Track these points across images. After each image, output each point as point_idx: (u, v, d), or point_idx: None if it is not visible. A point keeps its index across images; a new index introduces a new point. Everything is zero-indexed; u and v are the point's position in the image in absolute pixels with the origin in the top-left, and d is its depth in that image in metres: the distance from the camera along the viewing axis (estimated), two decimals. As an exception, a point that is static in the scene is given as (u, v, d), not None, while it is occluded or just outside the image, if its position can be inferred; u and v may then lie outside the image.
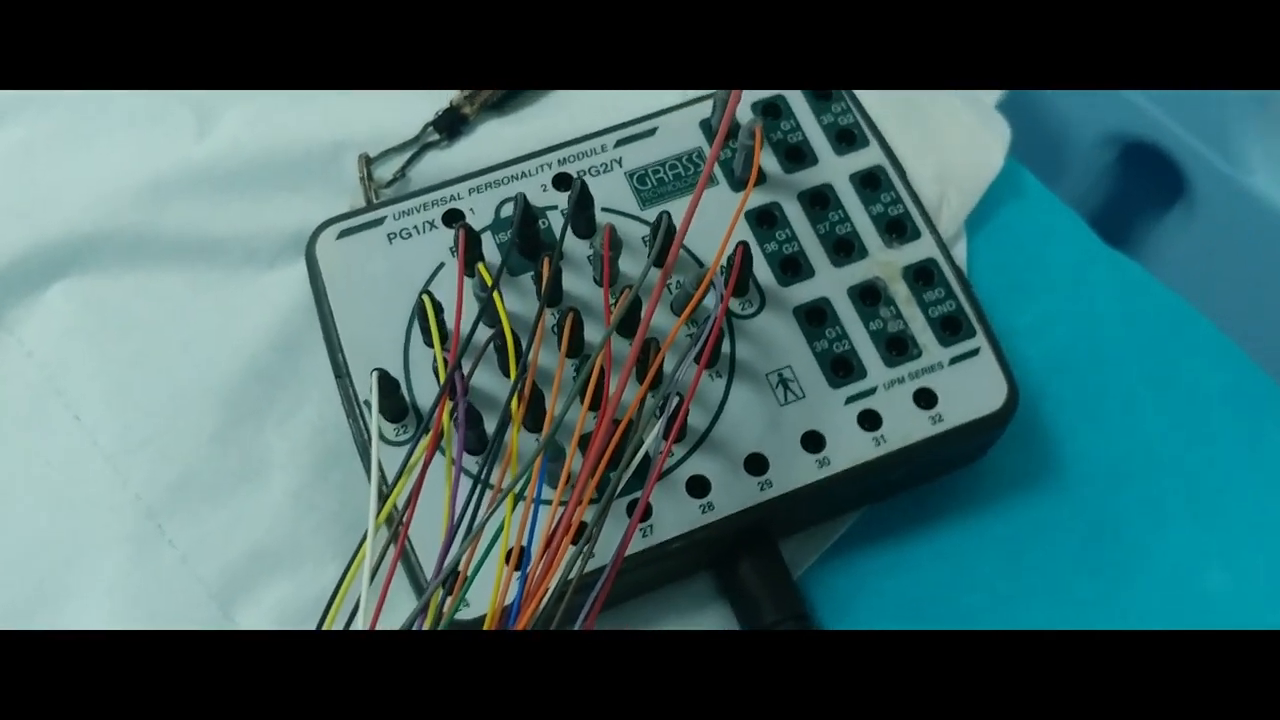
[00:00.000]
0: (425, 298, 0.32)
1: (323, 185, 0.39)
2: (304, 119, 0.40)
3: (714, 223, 0.36)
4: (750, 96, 0.38)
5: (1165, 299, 0.43)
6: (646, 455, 0.32)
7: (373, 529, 0.26)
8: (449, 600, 0.27)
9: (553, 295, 0.34)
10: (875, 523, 0.37)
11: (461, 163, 0.40)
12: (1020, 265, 0.42)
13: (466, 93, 0.40)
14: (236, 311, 0.38)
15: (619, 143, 0.37)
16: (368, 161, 0.39)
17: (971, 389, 0.34)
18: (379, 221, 0.36)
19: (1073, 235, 0.43)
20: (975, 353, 0.35)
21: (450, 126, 0.40)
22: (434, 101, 0.41)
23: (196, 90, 0.40)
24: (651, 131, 0.38)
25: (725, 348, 0.35)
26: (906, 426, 0.34)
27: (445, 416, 0.28)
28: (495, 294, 0.31)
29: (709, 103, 0.38)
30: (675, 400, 0.30)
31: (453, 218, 0.36)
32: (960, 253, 0.41)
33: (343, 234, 0.36)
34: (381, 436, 0.33)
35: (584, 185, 0.34)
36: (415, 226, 0.36)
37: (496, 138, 0.41)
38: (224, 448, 0.36)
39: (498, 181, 0.37)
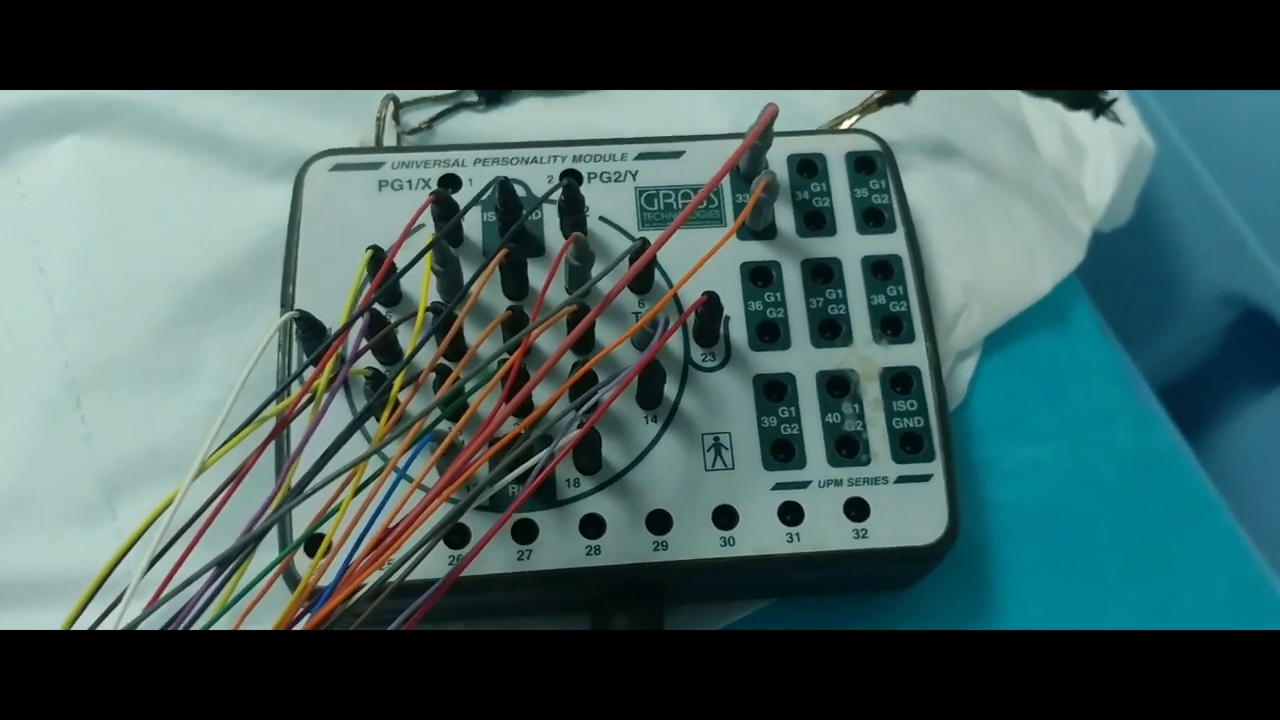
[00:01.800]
0: (370, 252, 0.31)
1: (350, 115, 0.38)
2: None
3: (711, 264, 0.34)
4: (788, 147, 0.36)
5: (1189, 480, 0.40)
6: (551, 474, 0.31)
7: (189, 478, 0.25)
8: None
9: (516, 290, 0.33)
10: (778, 618, 0.34)
11: (490, 131, 0.39)
12: (1032, 400, 0.39)
13: (517, 63, 0.39)
14: (224, 213, 0.37)
15: (641, 155, 0.36)
16: (396, 105, 0.38)
17: (909, 514, 0.32)
18: (375, 165, 0.35)
19: (1109, 383, 0.40)
20: (926, 478, 0.32)
21: (492, 91, 0.39)
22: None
23: None
24: (678, 154, 0.36)
25: (671, 394, 0.33)
26: (826, 532, 0.31)
27: (323, 379, 0.27)
28: (428, 264, 0.30)
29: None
30: (574, 420, 0.28)
31: (448, 183, 0.35)
32: (966, 370, 0.38)
33: (336, 167, 0.35)
34: (300, 379, 0.32)
35: (571, 188, 0.33)
36: (409, 181, 0.35)
37: (535, 116, 0.39)
38: (163, 342, 0.35)
39: (506, 160, 0.35)
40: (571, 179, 0.34)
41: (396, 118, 0.38)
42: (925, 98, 0.40)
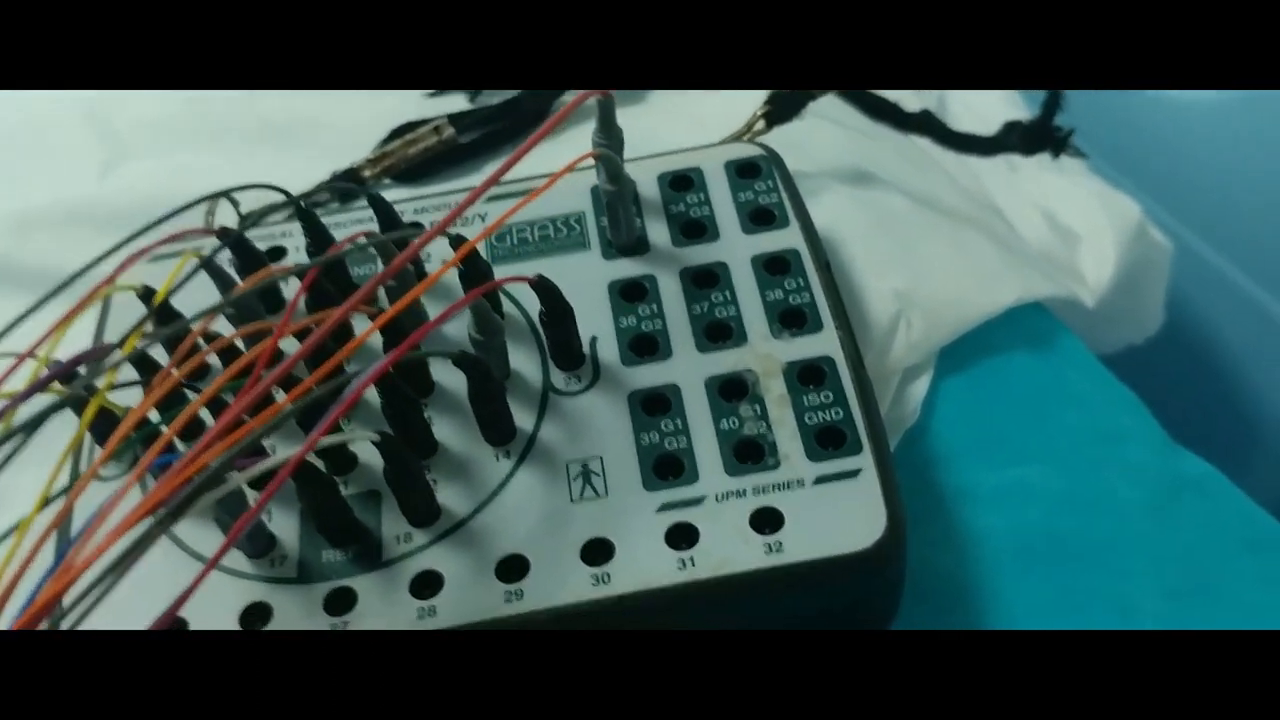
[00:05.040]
0: (133, 291, 0.26)
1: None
2: (206, 171, 0.37)
3: (576, 287, 0.29)
4: (658, 167, 0.32)
5: (1239, 508, 0.32)
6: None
7: None
8: None
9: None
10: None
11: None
12: (1008, 421, 0.32)
13: (371, 156, 0.36)
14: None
15: (490, 198, 0.31)
16: (235, 206, 0.35)
17: (835, 518, 0.24)
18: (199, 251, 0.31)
19: (1114, 409, 0.33)
20: (853, 474, 0.25)
21: (345, 190, 0.36)
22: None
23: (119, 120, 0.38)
24: (529, 191, 0.31)
25: (527, 425, 0.27)
26: (729, 551, 0.24)
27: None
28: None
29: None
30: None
31: (277, 254, 0.31)
32: (918, 388, 0.32)
33: (155, 258, 0.31)
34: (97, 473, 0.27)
35: (377, 200, 0.28)
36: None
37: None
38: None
39: (338, 225, 0.31)
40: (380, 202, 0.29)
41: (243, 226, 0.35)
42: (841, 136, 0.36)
